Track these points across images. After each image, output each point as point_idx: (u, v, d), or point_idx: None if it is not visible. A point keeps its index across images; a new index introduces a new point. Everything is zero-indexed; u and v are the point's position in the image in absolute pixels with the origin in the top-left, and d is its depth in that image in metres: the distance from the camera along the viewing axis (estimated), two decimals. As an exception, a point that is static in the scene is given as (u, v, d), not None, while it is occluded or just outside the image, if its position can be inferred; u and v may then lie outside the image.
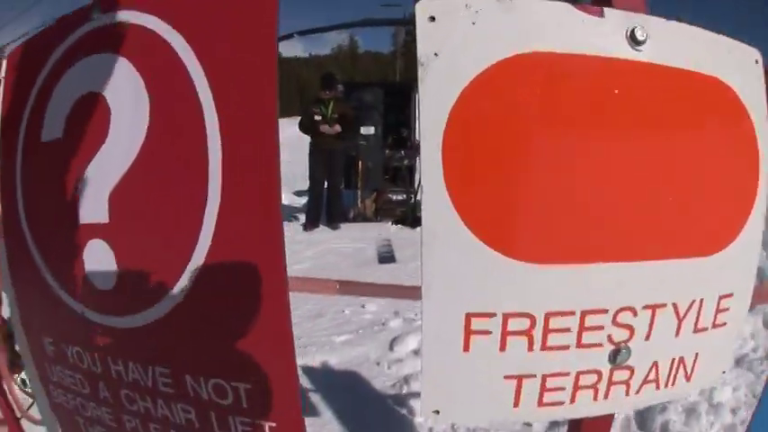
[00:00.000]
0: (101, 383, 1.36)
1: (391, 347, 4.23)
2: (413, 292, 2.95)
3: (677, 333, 1.17)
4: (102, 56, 1.27)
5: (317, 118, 8.89)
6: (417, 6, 1.02)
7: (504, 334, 1.08)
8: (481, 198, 1.05)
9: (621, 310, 1.12)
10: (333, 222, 9.10)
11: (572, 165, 1.07)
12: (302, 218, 9.32)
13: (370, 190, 10.24)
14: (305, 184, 9.68)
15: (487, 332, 1.08)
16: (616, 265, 1.10)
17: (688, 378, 1.23)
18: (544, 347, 1.10)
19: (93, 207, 1.27)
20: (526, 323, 1.08)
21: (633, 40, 1.09)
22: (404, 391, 3.64)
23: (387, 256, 7.30)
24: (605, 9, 1.09)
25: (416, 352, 4.03)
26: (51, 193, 1.36)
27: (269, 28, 1.07)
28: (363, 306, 5.10)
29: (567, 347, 1.11)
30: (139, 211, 1.23)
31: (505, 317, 1.07)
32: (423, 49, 1.02)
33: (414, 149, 10.16)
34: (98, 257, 1.28)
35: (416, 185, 9.59)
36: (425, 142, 1.03)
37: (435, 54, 1.02)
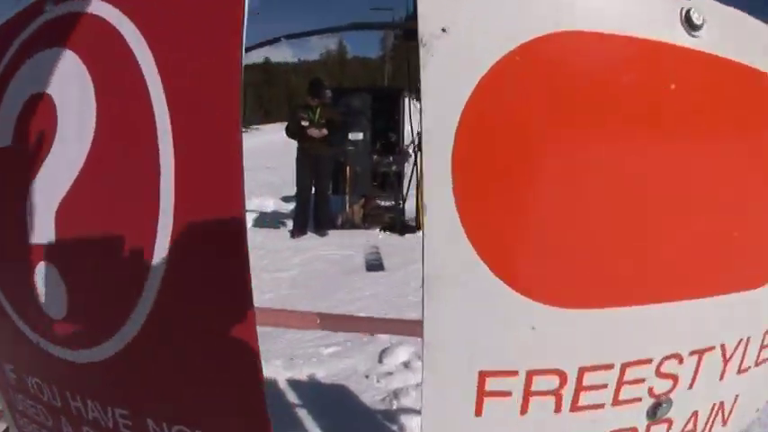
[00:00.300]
0: (63, 418, 1.24)
1: (380, 360, 4.13)
2: (401, 327, 2.84)
3: (722, 377, 1.01)
4: (51, 51, 1.15)
5: (305, 123, 8.83)
6: None
7: (527, 395, 0.89)
8: (502, 225, 0.84)
9: (667, 358, 0.94)
10: (320, 229, 9.03)
11: (613, 185, 0.87)
12: (289, 224, 9.25)
13: (359, 196, 10.17)
14: (292, 190, 9.61)
15: (506, 393, 0.89)
16: (661, 306, 0.92)
17: (725, 422, 1.08)
18: (575, 408, 0.92)
19: (41, 226, 1.15)
20: (555, 381, 0.90)
21: (689, 24, 0.89)
22: (394, 406, 3.53)
23: (375, 264, 7.22)
24: None
25: (407, 364, 3.94)
26: (2, 209, 1.24)
27: (234, 19, 0.91)
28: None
29: (601, 406, 0.93)
30: (86, 231, 1.10)
31: (530, 375, 0.89)
32: (426, 23, 0.79)
33: (402, 155, 10.12)
34: (47, 283, 1.16)
35: (405, 192, 9.53)
36: (429, 150, 0.80)
37: (443, 30, 0.78)
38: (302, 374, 3.94)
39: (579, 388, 0.91)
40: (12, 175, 1.21)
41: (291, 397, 3.60)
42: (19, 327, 1.26)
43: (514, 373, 0.89)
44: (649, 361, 0.93)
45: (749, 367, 1.05)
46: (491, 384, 0.88)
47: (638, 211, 0.89)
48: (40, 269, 1.17)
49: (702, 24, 0.89)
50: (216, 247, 0.95)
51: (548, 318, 0.87)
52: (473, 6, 0.80)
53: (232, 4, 0.92)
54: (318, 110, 8.89)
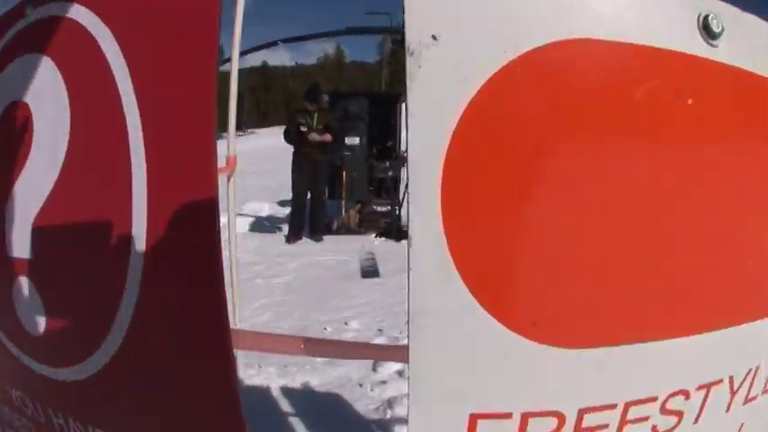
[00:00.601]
0: (47, 435, 1.22)
1: (374, 368, 4.08)
2: (387, 353, 2.81)
3: (728, 409, 0.95)
4: (29, 57, 1.15)
5: (303, 129, 8.80)
6: None
7: None
8: (496, 259, 0.77)
9: (674, 394, 0.88)
10: (316, 234, 9.00)
11: (617, 215, 0.79)
12: (285, 229, 9.20)
13: (355, 201, 10.13)
14: (289, 195, 9.58)
15: None
16: (669, 342, 0.85)
17: (729, 452, 1.01)
18: (572, 450, 0.84)
19: (18, 240, 1.14)
20: (552, 423, 0.83)
21: (707, 32, 0.82)
22: (387, 416, 3.49)
23: (370, 270, 7.19)
24: None
25: (401, 373, 3.90)
26: None
27: (209, 25, 0.87)
28: (346, 323, 4.99)
29: None
30: (61, 247, 1.09)
31: (525, 417, 0.82)
32: (414, 30, 0.70)
33: (399, 160, 10.10)
34: (25, 298, 1.14)
35: (401, 197, 9.50)
36: (415, 172, 0.73)
37: (434, 37, 0.70)
38: (296, 382, 3.90)
39: (578, 429, 0.85)
40: None
41: (285, 405, 3.57)
42: (1, 339, 1.25)
43: (508, 415, 0.83)
44: (655, 398, 0.88)
45: (756, 396, 1.00)
46: (483, 427, 0.82)
47: (644, 244, 0.83)
48: (18, 283, 1.16)
49: (722, 33, 0.83)
50: (188, 264, 0.92)
51: (544, 357, 0.81)
52: (469, 10, 0.73)
53: (208, 9, 0.89)
54: (316, 115, 8.87)
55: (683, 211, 0.84)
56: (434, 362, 0.79)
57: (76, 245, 1.06)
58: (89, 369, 1.06)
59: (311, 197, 9.15)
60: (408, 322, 0.77)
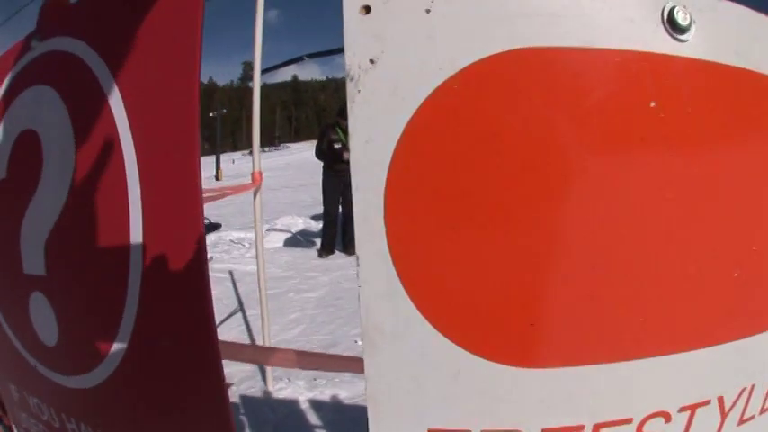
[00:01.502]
0: (61, 439, 1.30)
1: (403, 379, 4.11)
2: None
3: (719, 430, 0.88)
4: (36, 88, 1.24)
5: (337, 146, 8.81)
6: None
7: None
8: (443, 276, 0.75)
9: (651, 416, 0.82)
10: (348, 248, 9.01)
11: (578, 228, 0.75)
12: (318, 243, 9.24)
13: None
14: (321, 209, 9.62)
15: None
16: (644, 361, 0.79)
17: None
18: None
19: (32, 257, 1.22)
20: None
21: (672, 26, 0.75)
22: (415, 427, 3.51)
23: (402, 283, 7.17)
24: None
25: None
26: (1, 238, 1.31)
27: (191, 57, 0.93)
28: (376, 336, 5.00)
29: None
30: (71, 265, 1.16)
31: None
32: (353, 54, 0.71)
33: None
34: (40, 311, 1.22)
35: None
36: (359, 196, 0.73)
37: (371, 61, 0.71)
38: (325, 395, 3.93)
39: (541, 452, 0.80)
40: (7, 206, 1.27)
41: (313, 418, 3.59)
42: (18, 349, 1.33)
43: None
44: (629, 420, 0.82)
45: (753, 416, 0.92)
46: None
47: (612, 256, 0.78)
48: (33, 297, 1.23)
49: (690, 25, 0.76)
50: (179, 279, 0.98)
51: (503, 377, 0.76)
52: (404, 31, 0.71)
53: (189, 42, 0.94)
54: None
55: (660, 224, 0.78)
56: (389, 378, 0.77)
57: (83, 262, 1.13)
58: (97, 378, 1.13)
59: (342, 211, 9.16)
60: (362, 338, 0.77)
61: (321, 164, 9.15)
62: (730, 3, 0.81)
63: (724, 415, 0.87)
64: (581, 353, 0.79)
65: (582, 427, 0.80)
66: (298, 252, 9.03)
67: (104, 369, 1.11)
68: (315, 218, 11.17)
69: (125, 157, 1.03)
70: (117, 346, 1.07)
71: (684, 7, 0.76)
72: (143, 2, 1.01)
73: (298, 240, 9.88)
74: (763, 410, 0.92)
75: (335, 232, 9.09)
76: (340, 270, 7.87)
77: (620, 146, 0.76)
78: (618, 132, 0.76)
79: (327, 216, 9.08)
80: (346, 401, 3.89)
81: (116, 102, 1.05)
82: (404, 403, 0.78)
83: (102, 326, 1.09)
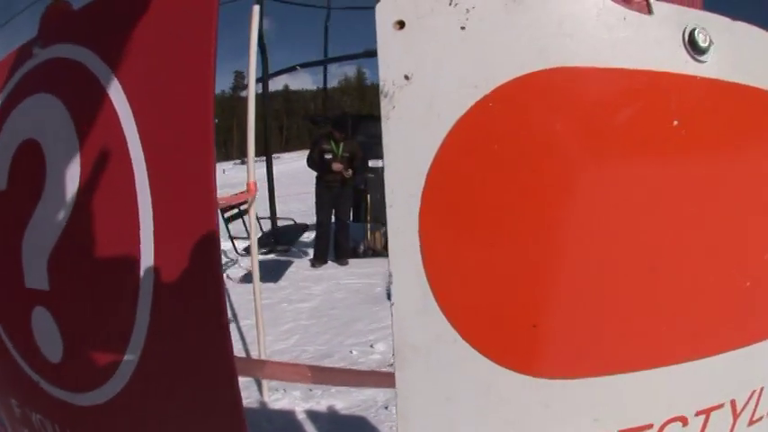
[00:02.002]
0: (66, 457, 1.26)
1: (400, 390, 4.09)
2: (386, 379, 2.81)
3: None
4: (38, 96, 1.20)
5: (328, 156, 8.82)
6: (378, 8, 0.72)
7: None
8: (477, 294, 0.75)
9: (670, 421, 0.84)
10: (341, 258, 9.00)
11: (606, 243, 0.77)
12: (311, 253, 9.23)
13: (380, 223, 10.12)
14: (314, 219, 9.61)
15: None
16: (663, 369, 0.82)
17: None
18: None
19: (35, 272, 1.18)
20: None
21: (693, 47, 0.78)
22: (413, 438, 3.49)
23: (396, 293, 7.16)
24: (653, 2, 0.78)
25: (426, 395, 3.90)
26: (1, 251, 1.28)
27: (205, 68, 0.90)
28: (372, 346, 4.99)
29: None
30: (78, 280, 1.13)
31: None
32: (388, 70, 0.71)
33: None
34: (43, 327, 1.19)
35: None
36: (394, 213, 0.73)
37: (406, 77, 0.71)
38: (321, 406, 3.91)
39: (569, 461, 0.81)
40: (8, 218, 1.24)
41: (310, 429, 3.58)
42: (20, 365, 1.29)
43: None
44: (650, 426, 0.84)
45: (761, 417, 0.95)
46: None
47: (637, 270, 0.80)
48: (36, 313, 1.20)
49: (709, 47, 0.80)
50: (193, 292, 0.95)
51: (534, 389, 0.78)
52: (441, 47, 0.72)
53: (203, 46, 0.92)
54: (342, 143, 8.89)
55: (677, 235, 0.82)
56: (421, 395, 0.78)
57: (90, 277, 1.10)
58: (106, 394, 1.09)
59: (335, 221, 9.16)
60: (394, 355, 0.76)
61: (312, 174, 9.16)
62: (746, 24, 0.84)
63: (736, 417, 0.91)
64: (608, 362, 0.81)
65: None
66: (291, 261, 9.01)
67: (113, 386, 1.08)
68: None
69: (134, 168, 1.00)
70: (126, 363, 1.04)
71: (704, 29, 0.79)
72: (151, 6, 0.99)
73: (290, 250, 9.86)
74: None
75: (328, 242, 9.09)
76: (332, 280, 7.87)
77: (647, 162, 0.78)
78: (645, 150, 0.78)
79: (320, 226, 9.09)
80: (342, 412, 3.87)
81: (124, 110, 1.02)
82: (435, 420, 0.78)
83: (111, 342, 1.06)
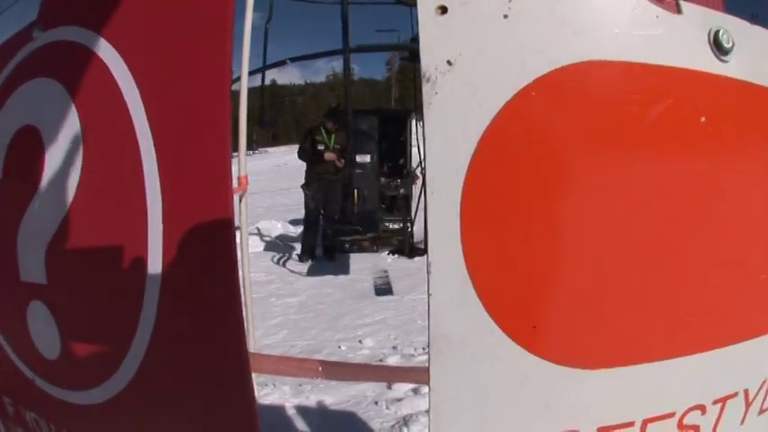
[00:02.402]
0: (62, 456, 1.23)
1: (389, 386, 4.07)
2: (408, 374, 2.82)
3: (743, 421, 0.94)
4: (39, 81, 1.15)
5: (320, 147, 8.80)
6: None
7: None
8: (516, 283, 0.76)
9: (690, 410, 0.87)
10: (329, 253, 8.98)
11: (637, 234, 0.79)
12: (298, 248, 9.20)
13: (367, 219, 10.11)
14: (300, 213, 9.59)
15: None
16: (686, 358, 0.85)
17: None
18: (590, 467, 0.83)
19: (32, 265, 1.13)
20: None
21: (718, 47, 0.81)
22: (403, 433, 3.49)
23: (383, 288, 7.17)
24: (682, 2, 0.80)
25: (416, 390, 3.88)
26: None
27: (221, 50, 0.87)
28: (360, 341, 4.99)
29: None
30: (78, 273, 1.08)
31: None
32: (430, 55, 0.70)
33: (410, 178, 10.09)
34: (39, 322, 1.14)
35: (413, 214, 9.48)
36: (434, 201, 0.72)
37: (449, 63, 0.70)
38: (311, 401, 3.90)
39: (596, 448, 0.84)
40: (3, 208, 1.20)
41: (300, 424, 3.57)
42: (14, 361, 1.25)
43: None
44: (672, 414, 0.87)
45: None
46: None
47: (664, 264, 0.82)
48: (32, 307, 1.16)
49: (732, 48, 0.82)
50: (205, 288, 0.92)
51: (565, 378, 0.79)
52: (483, 34, 0.72)
53: (220, 34, 0.89)
54: (334, 135, 8.86)
55: (699, 228, 0.84)
56: (454, 387, 0.78)
57: (92, 269, 1.06)
58: (106, 393, 1.06)
59: (323, 215, 9.14)
60: (429, 346, 0.76)
61: (300, 169, 9.13)
62: (762, 28, 0.88)
63: (748, 405, 0.94)
64: (637, 353, 0.83)
65: (632, 423, 0.84)
66: (278, 256, 8.97)
67: (113, 384, 1.04)
68: (293, 222, 11.14)
69: (143, 156, 0.95)
70: (129, 361, 1.00)
71: (727, 31, 0.82)
72: None
73: (277, 245, 9.83)
74: None
75: (316, 236, 9.07)
76: (321, 274, 7.86)
77: (678, 156, 0.81)
78: (676, 144, 0.81)
79: (308, 220, 9.06)
80: (332, 407, 3.86)
81: (132, 95, 0.98)
82: (469, 412, 0.78)
83: (113, 339, 1.02)
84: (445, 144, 0.72)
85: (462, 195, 0.73)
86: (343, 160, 8.91)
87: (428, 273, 0.75)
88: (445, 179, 0.73)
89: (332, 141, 8.82)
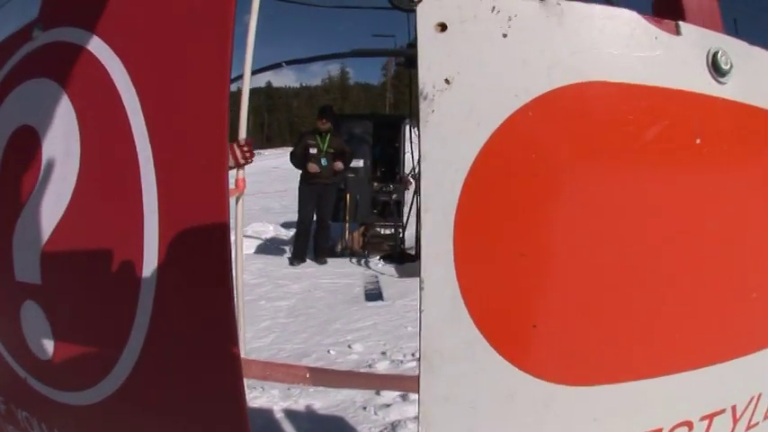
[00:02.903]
0: (54, 456, 1.22)
1: (378, 391, 4.07)
2: (396, 383, 2.82)
3: None
4: (36, 82, 1.15)
5: (313, 151, 8.78)
6: (420, 9, 0.71)
7: None
8: (508, 301, 0.76)
9: (677, 426, 0.87)
10: (320, 257, 8.97)
11: (629, 254, 0.79)
12: (289, 251, 9.19)
13: (358, 223, 10.13)
14: (292, 216, 9.57)
15: None
16: (674, 376, 0.85)
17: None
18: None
19: (27, 265, 1.14)
20: None
21: (715, 69, 0.81)
22: (391, 440, 3.49)
23: (374, 294, 7.17)
24: (681, 24, 0.80)
25: (404, 397, 3.88)
26: None
27: (221, 61, 0.87)
28: (350, 346, 4.98)
29: None
30: (73, 274, 1.08)
31: None
32: (428, 73, 0.70)
33: (403, 183, 10.12)
34: (33, 321, 1.14)
35: (405, 220, 9.50)
36: (428, 218, 0.72)
37: (446, 81, 0.70)
38: (299, 405, 3.89)
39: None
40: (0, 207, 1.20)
41: (288, 428, 3.55)
42: (7, 360, 1.25)
43: None
44: (659, 431, 0.87)
45: (758, 423, 0.99)
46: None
47: (655, 284, 0.83)
48: (26, 307, 1.16)
49: (730, 69, 0.82)
50: (200, 290, 0.92)
51: (553, 395, 0.79)
52: (482, 53, 0.72)
53: (220, 38, 0.89)
54: (327, 137, 8.82)
55: (692, 247, 0.85)
56: (444, 402, 0.78)
57: (87, 271, 1.06)
58: (99, 394, 1.05)
59: (316, 220, 9.11)
60: (419, 361, 0.76)
61: (292, 172, 9.10)
62: (762, 50, 0.88)
63: (735, 421, 0.94)
64: (627, 370, 0.83)
65: None
66: (269, 259, 8.96)
67: (106, 386, 1.04)
68: (285, 225, 11.13)
69: (139, 158, 0.96)
70: (122, 363, 1.00)
71: (725, 52, 0.82)
72: None
73: (268, 247, 9.82)
74: (766, 416, 1.00)
75: (308, 240, 9.05)
76: (311, 279, 7.85)
77: (672, 175, 0.82)
78: (671, 164, 0.81)
79: (301, 224, 9.04)
80: (321, 412, 3.86)
81: (130, 97, 0.98)
82: (458, 427, 0.78)
83: (107, 340, 1.02)
84: (441, 162, 0.72)
85: (456, 213, 0.73)
86: (341, 164, 8.89)
87: (420, 289, 0.74)
88: (440, 196, 0.73)
89: (326, 145, 8.80)
